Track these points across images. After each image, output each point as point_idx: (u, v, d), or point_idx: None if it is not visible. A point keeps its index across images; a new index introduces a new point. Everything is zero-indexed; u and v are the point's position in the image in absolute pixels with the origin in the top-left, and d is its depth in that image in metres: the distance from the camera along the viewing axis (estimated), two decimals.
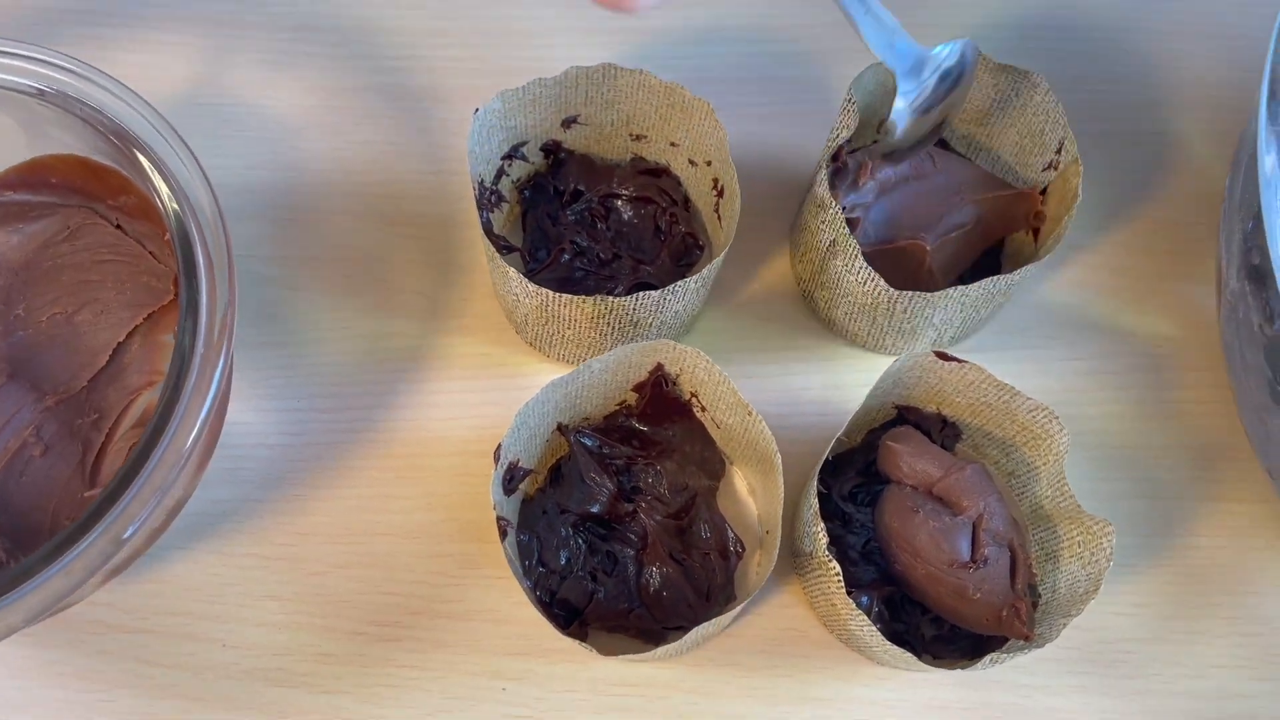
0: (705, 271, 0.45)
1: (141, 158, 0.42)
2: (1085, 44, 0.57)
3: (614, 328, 0.46)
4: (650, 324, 0.46)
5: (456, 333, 0.51)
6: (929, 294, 0.44)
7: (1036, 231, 0.48)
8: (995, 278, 0.44)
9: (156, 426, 0.39)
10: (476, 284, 0.52)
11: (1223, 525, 0.49)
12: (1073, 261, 0.53)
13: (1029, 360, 0.51)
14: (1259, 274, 0.41)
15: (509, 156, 0.50)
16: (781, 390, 0.50)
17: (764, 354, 0.51)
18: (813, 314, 0.51)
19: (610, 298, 0.44)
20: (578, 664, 0.46)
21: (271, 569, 0.47)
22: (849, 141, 0.47)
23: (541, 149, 0.51)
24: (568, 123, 0.50)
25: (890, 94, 0.47)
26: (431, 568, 0.47)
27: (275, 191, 0.53)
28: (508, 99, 0.47)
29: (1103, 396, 0.50)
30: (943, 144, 0.51)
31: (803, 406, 0.50)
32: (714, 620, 0.41)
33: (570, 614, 0.45)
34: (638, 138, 0.51)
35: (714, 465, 0.48)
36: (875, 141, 0.50)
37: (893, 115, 0.45)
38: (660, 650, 0.41)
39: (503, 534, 0.42)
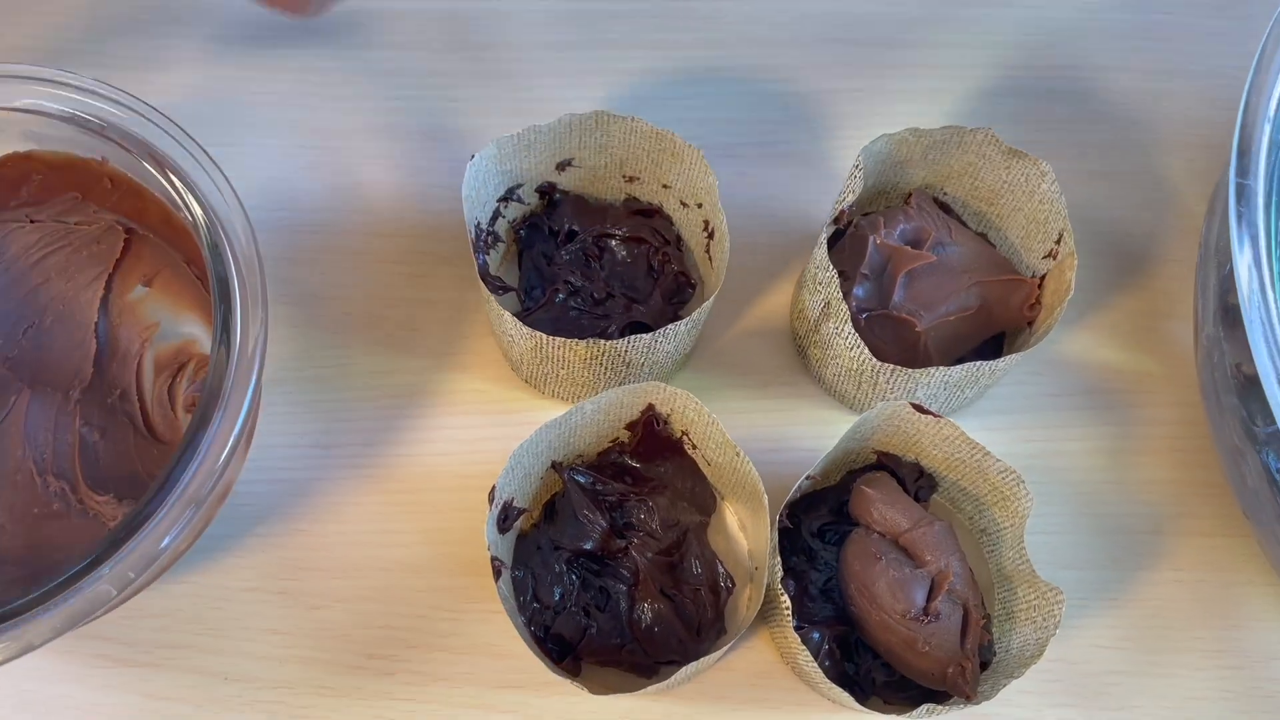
0: (695, 315, 0.46)
1: (165, 170, 0.44)
2: (1070, 83, 0.58)
3: (606, 368, 0.47)
4: (642, 364, 0.47)
5: (455, 370, 0.52)
6: (912, 370, 0.45)
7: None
8: (979, 363, 0.45)
9: (190, 441, 0.40)
10: (475, 322, 0.53)
11: (1204, 560, 0.50)
12: None
13: (1009, 396, 0.52)
14: (1233, 317, 0.42)
15: (505, 199, 0.51)
16: (770, 430, 0.51)
17: (754, 398, 0.52)
18: (805, 369, 0.52)
19: (602, 341, 0.45)
20: (571, 698, 0.47)
21: (273, 603, 0.48)
22: (852, 207, 0.49)
23: (537, 190, 0.52)
24: (562, 165, 0.51)
25: (899, 164, 0.48)
26: (429, 602, 0.48)
27: (274, 231, 0.54)
28: (502, 145, 0.48)
29: (1083, 432, 0.51)
30: (958, 220, 0.52)
31: (789, 445, 0.51)
32: (704, 658, 0.42)
33: (564, 649, 0.46)
34: (630, 179, 0.52)
35: (705, 500, 0.49)
36: (888, 207, 0.51)
37: None
38: (652, 688, 0.42)
39: (497, 574, 0.43)
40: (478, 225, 0.50)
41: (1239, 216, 0.37)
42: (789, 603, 0.41)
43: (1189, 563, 0.50)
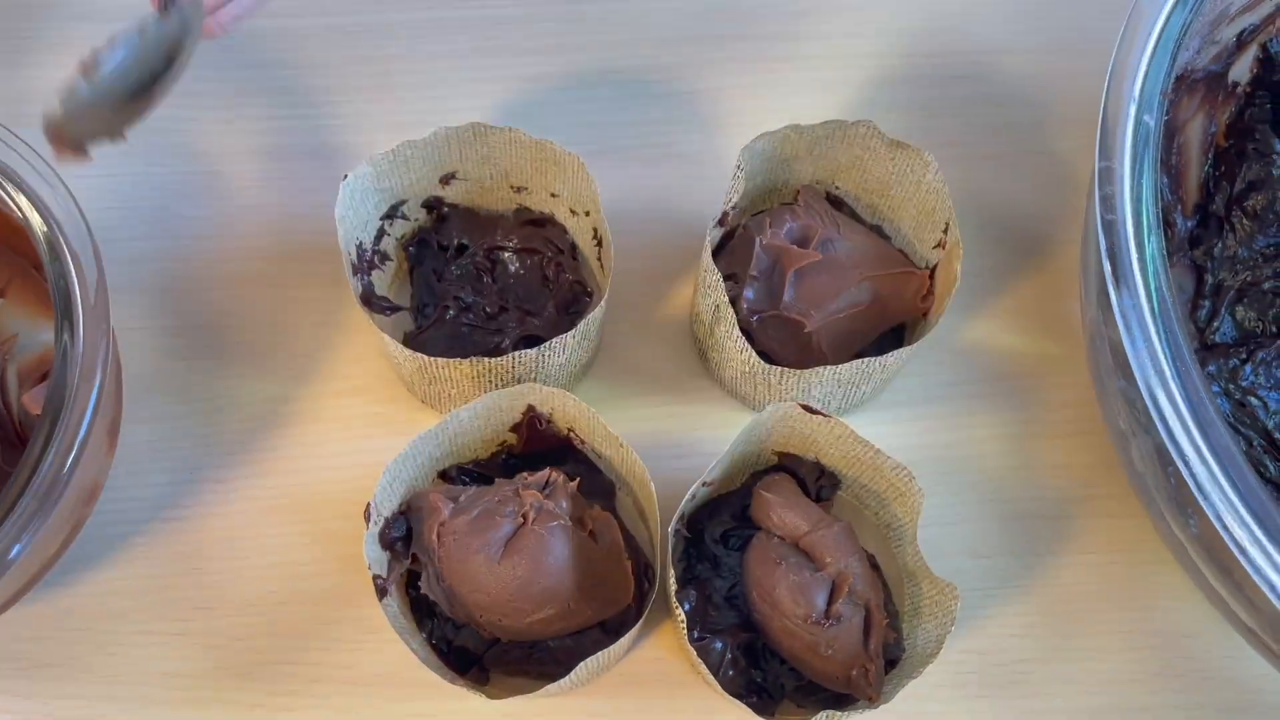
0: (582, 325, 0.45)
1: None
2: (960, 67, 0.58)
3: (497, 385, 0.46)
4: (534, 378, 0.47)
5: (350, 394, 0.51)
6: (802, 371, 0.44)
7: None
8: (868, 360, 0.44)
9: (34, 445, 0.39)
10: (364, 343, 0.52)
11: (1110, 541, 0.50)
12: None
13: (911, 388, 0.51)
14: (1109, 302, 0.41)
15: (389, 216, 0.50)
16: (675, 435, 0.51)
17: (659, 404, 0.51)
18: (705, 371, 0.51)
19: (487, 359, 0.44)
20: (477, 707, 0.46)
21: (170, 644, 0.47)
22: (737, 208, 0.48)
23: (423, 205, 0.51)
24: (446, 179, 0.50)
25: (785, 161, 0.47)
26: (332, 634, 0.47)
27: (163, 260, 0.53)
28: (377, 163, 0.47)
29: (986, 419, 0.51)
30: (851, 214, 0.51)
31: (694, 450, 0.50)
32: (602, 653, 0.41)
33: (467, 660, 0.45)
34: (519, 189, 0.51)
35: (603, 488, 0.48)
36: (780, 204, 0.50)
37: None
38: (552, 687, 0.41)
39: (381, 593, 0.43)
40: (359, 245, 0.49)
41: (1103, 200, 0.36)
42: (684, 617, 0.41)
43: (1095, 545, 0.49)
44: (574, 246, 0.52)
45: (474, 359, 0.44)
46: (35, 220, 0.42)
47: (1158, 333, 0.35)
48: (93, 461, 0.43)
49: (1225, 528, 0.35)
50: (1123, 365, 0.39)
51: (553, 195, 0.50)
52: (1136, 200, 0.37)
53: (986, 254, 0.54)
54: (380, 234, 0.50)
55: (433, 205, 0.51)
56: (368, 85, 0.57)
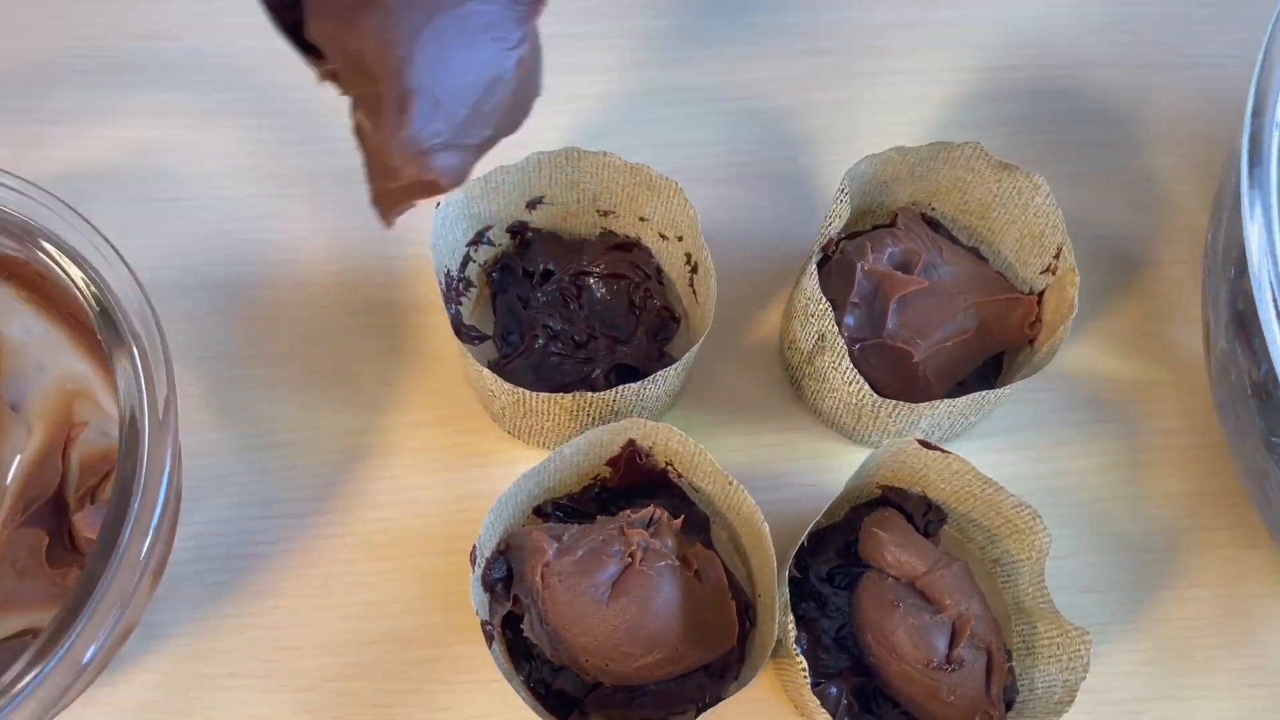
0: (686, 358, 0.44)
1: (49, 246, 0.41)
2: (1050, 82, 0.57)
3: (594, 418, 0.45)
4: (631, 411, 0.45)
5: (431, 425, 0.49)
6: (915, 405, 0.43)
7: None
8: (984, 394, 0.43)
9: (107, 538, 0.37)
10: (447, 371, 0.50)
11: (1223, 573, 0.48)
12: None
13: (1011, 414, 0.50)
14: (1248, 326, 0.40)
15: (474, 243, 0.48)
16: (768, 466, 0.49)
17: (748, 433, 0.50)
18: (799, 399, 0.50)
19: (589, 394, 0.43)
20: None
21: (254, 688, 0.45)
22: (839, 234, 0.46)
23: (507, 230, 0.49)
24: (533, 204, 0.49)
25: (885, 183, 0.46)
26: (424, 674, 0.46)
27: (235, 285, 0.51)
28: (470, 189, 0.46)
29: (1091, 448, 0.50)
30: (948, 235, 0.50)
31: (789, 481, 0.49)
32: (716, 705, 0.39)
33: (567, 705, 0.44)
34: (605, 214, 0.49)
35: (696, 522, 0.46)
36: (875, 228, 0.49)
37: None
38: None
39: (489, 639, 0.41)
40: (448, 273, 0.47)
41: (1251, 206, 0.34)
42: (805, 664, 0.39)
43: (1208, 578, 0.48)
44: (659, 270, 0.50)
45: (576, 394, 0.42)
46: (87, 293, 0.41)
47: None
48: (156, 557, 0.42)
49: None
50: (1259, 395, 0.37)
51: (641, 219, 0.49)
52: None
53: (1082, 275, 0.52)
54: (466, 260, 0.48)
55: (517, 230, 0.50)
56: None
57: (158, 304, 0.50)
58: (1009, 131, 0.55)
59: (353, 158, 0.54)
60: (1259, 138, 0.36)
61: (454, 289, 0.48)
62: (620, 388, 0.42)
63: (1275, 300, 0.35)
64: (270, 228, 0.52)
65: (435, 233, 0.45)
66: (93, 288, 0.41)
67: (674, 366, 0.43)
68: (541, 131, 0.52)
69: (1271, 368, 0.35)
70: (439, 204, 0.45)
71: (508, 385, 0.42)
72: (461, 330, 0.47)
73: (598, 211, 0.49)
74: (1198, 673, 0.46)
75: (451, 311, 0.46)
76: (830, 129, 0.55)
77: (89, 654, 0.38)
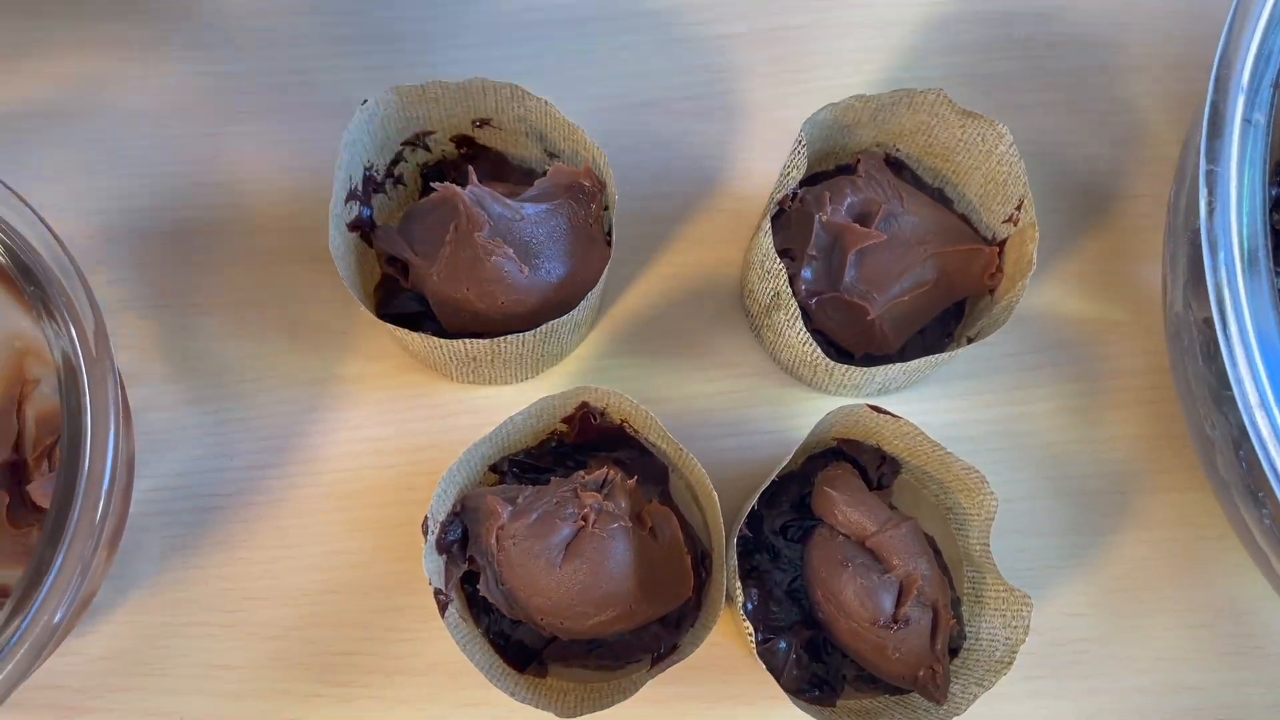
0: (583, 305, 0.43)
1: None
2: (1028, 4, 0.54)
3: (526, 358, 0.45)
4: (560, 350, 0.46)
5: (391, 373, 0.49)
6: (867, 369, 0.43)
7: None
8: (936, 356, 0.43)
9: (61, 493, 0.38)
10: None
11: (1172, 517, 0.49)
12: None
13: (970, 359, 0.50)
14: (1200, 296, 0.39)
15: (411, 143, 0.48)
16: (728, 414, 0.49)
17: (709, 380, 0.49)
18: (760, 346, 0.50)
19: (506, 337, 0.42)
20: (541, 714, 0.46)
21: (221, 637, 0.46)
22: (797, 190, 0.46)
23: (452, 139, 0.48)
24: (481, 123, 0.47)
25: (847, 128, 0.44)
26: (387, 623, 0.47)
27: (185, 232, 0.50)
28: (404, 93, 0.45)
29: (1048, 391, 0.50)
30: (913, 176, 0.49)
31: (749, 429, 0.49)
32: (674, 659, 0.41)
33: (526, 656, 0.45)
34: (552, 155, 0.48)
35: (655, 473, 0.47)
36: (839, 169, 0.48)
37: None
38: (625, 700, 0.40)
39: (442, 608, 0.42)
40: (369, 167, 0.47)
41: (1208, 215, 0.34)
42: (752, 629, 0.40)
43: (1157, 520, 0.48)
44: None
45: (494, 340, 0.42)
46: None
47: (1262, 361, 0.34)
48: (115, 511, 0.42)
49: None
50: (1214, 367, 0.37)
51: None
52: (1240, 226, 0.34)
53: (1051, 211, 0.51)
54: (398, 158, 0.48)
55: (463, 142, 0.48)
56: (381, 34, 0.53)
57: (105, 251, 0.50)
58: (982, 59, 0.53)
59: (302, 94, 0.52)
60: (1220, 110, 0.35)
61: (373, 184, 0.47)
62: (524, 335, 0.42)
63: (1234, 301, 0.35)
64: (219, 169, 0.51)
65: (356, 128, 0.44)
66: (7, 242, 0.40)
67: (575, 312, 0.42)
68: (496, 62, 0.51)
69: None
70: (365, 101, 0.44)
71: (418, 336, 0.42)
72: (366, 229, 0.46)
73: (545, 152, 0.48)
74: (1144, 613, 0.48)
75: (360, 209, 0.46)
76: (796, 57, 0.53)
77: (58, 615, 0.38)
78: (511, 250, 0.43)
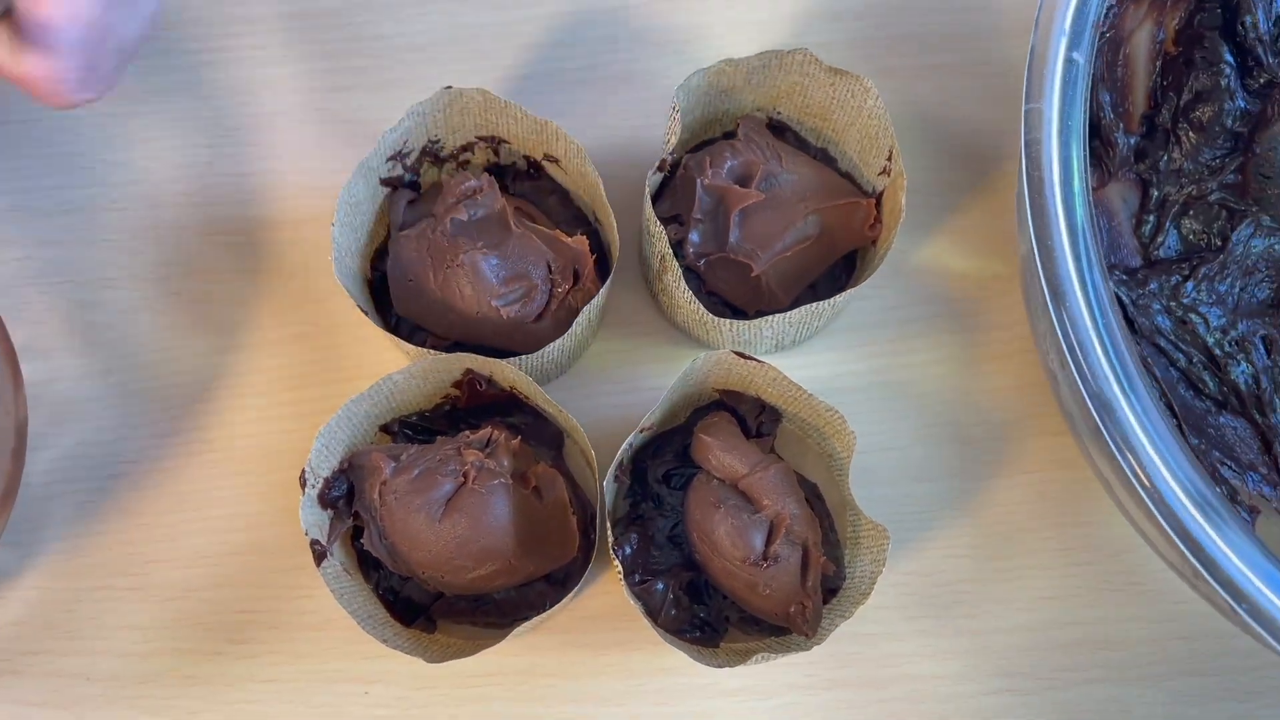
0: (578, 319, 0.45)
1: None
2: None
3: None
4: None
5: (289, 341, 0.51)
6: (752, 320, 0.44)
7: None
8: (814, 305, 0.44)
9: None
10: (300, 288, 0.51)
11: (1048, 460, 0.50)
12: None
13: (857, 313, 0.51)
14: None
15: (486, 139, 0.49)
16: (622, 370, 0.51)
17: (606, 338, 0.51)
18: (658, 309, 0.51)
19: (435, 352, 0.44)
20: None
21: (126, 599, 0.48)
22: (674, 154, 0.47)
23: (525, 157, 0.50)
24: (550, 159, 0.49)
25: (724, 92, 0.46)
26: (284, 581, 0.48)
27: (87, 210, 0.52)
28: (488, 98, 0.46)
29: (930, 342, 0.51)
30: (795, 138, 0.50)
31: (642, 385, 0.50)
32: (542, 616, 0.42)
33: (413, 611, 0.46)
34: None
35: (553, 437, 0.48)
36: (724, 134, 0.49)
37: None
38: (492, 647, 0.42)
39: (319, 558, 0.43)
40: (436, 142, 0.48)
41: (1029, 145, 0.35)
42: (621, 566, 0.41)
43: (1033, 465, 0.50)
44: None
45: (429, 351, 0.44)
46: None
47: (1091, 311, 0.35)
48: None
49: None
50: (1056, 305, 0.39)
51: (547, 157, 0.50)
52: (1065, 158, 0.36)
53: (931, 172, 0.53)
54: (469, 147, 0.49)
55: (533, 166, 0.50)
56: (284, 12, 0.54)
57: (8, 231, 0.51)
58: (868, 23, 0.55)
59: (202, 73, 0.54)
60: (1040, 51, 0.36)
61: (425, 156, 0.49)
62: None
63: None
64: (120, 148, 0.52)
65: (430, 103, 0.46)
66: None
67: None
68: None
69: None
70: (449, 86, 0.46)
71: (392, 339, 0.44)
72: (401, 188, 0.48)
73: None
74: (1022, 554, 0.49)
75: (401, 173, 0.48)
76: (687, 28, 0.54)
77: None
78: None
